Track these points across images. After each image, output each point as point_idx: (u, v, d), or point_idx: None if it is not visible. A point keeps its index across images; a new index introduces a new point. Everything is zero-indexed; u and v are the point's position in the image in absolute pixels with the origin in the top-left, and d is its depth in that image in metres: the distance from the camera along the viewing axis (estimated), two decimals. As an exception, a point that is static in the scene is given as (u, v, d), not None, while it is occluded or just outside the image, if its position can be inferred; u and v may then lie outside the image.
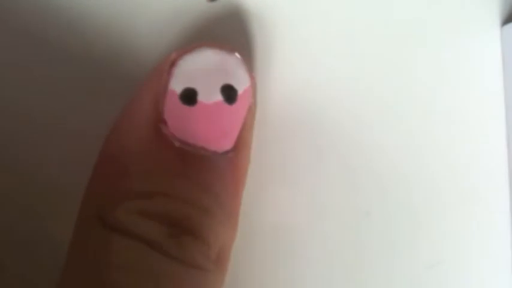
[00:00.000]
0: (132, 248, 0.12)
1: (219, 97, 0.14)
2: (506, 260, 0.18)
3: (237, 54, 0.14)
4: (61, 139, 0.16)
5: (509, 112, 0.18)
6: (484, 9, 0.18)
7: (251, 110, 0.15)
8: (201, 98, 0.14)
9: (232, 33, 0.17)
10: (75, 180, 0.14)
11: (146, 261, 0.12)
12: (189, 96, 0.14)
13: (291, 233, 0.17)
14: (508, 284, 0.18)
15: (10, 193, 0.16)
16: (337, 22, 0.18)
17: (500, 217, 0.18)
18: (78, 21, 0.16)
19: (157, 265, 0.12)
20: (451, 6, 0.18)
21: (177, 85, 0.14)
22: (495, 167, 0.18)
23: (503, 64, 0.18)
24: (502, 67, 0.18)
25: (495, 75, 0.18)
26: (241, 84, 0.14)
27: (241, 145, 0.14)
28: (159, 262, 0.13)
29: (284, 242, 0.17)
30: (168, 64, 0.14)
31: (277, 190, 0.17)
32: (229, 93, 0.14)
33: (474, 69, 0.18)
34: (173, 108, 0.13)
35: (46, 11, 0.16)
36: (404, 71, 0.18)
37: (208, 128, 0.14)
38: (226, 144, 0.14)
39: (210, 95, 0.14)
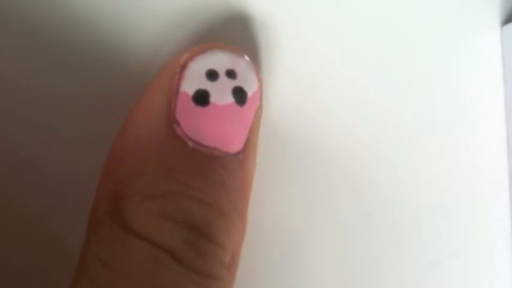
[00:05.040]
0: (150, 255, 0.12)
1: (230, 99, 0.14)
2: (506, 260, 0.18)
3: (246, 57, 0.15)
4: (66, 139, 0.16)
5: (510, 112, 0.18)
6: (484, 9, 0.18)
7: (257, 113, 0.15)
8: (213, 99, 0.14)
9: (235, 39, 0.17)
10: (78, 181, 0.14)
11: (163, 271, 0.12)
12: (202, 98, 0.14)
13: (291, 233, 0.17)
14: (508, 284, 0.18)
15: (11, 194, 0.16)
16: (339, 27, 0.18)
17: (500, 217, 0.18)
18: (84, 23, 0.16)
19: (174, 276, 0.12)
20: (451, 6, 0.18)
21: (189, 87, 0.14)
22: (495, 166, 0.18)
23: (503, 64, 0.18)
24: (502, 67, 0.18)
25: (495, 75, 0.18)
26: (251, 87, 0.14)
27: (248, 147, 0.14)
28: (178, 275, 0.12)
29: (285, 243, 0.17)
30: (179, 65, 0.14)
31: (278, 191, 0.17)
32: (240, 95, 0.14)
33: (474, 69, 0.18)
34: (186, 110, 0.13)
35: (50, 10, 0.16)
36: (404, 71, 0.18)
37: (221, 129, 0.14)
38: (237, 146, 0.14)
39: (221, 97, 0.14)
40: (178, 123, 0.13)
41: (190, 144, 0.13)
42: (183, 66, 0.14)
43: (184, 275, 0.13)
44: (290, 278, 0.17)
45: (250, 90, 0.14)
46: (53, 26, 0.16)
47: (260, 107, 0.15)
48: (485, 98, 0.18)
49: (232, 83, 0.14)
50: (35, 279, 0.16)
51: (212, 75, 0.14)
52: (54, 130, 0.16)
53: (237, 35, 0.17)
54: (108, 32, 0.16)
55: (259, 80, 0.15)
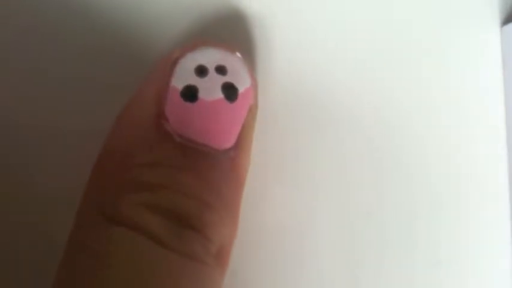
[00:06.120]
0: (133, 240, 0.13)
1: (219, 95, 0.14)
2: (506, 260, 0.18)
3: (238, 54, 0.15)
4: (61, 137, 0.16)
5: (509, 112, 0.18)
6: (484, 9, 0.18)
7: (252, 111, 0.15)
8: (201, 95, 0.14)
9: (232, 35, 0.17)
10: (74, 179, 0.14)
11: (146, 254, 0.13)
12: (190, 93, 0.14)
13: (290, 233, 0.17)
14: (508, 284, 0.18)
15: (8, 193, 0.16)
16: (338, 23, 0.18)
17: (500, 217, 0.18)
18: (80, 21, 0.16)
19: (157, 257, 0.13)
20: (451, 6, 0.18)
21: (178, 82, 0.14)
22: (495, 167, 0.18)
23: (503, 64, 0.18)
24: (502, 67, 0.18)
25: (495, 75, 0.18)
26: (242, 84, 0.14)
27: (241, 144, 0.14)
28: (159, 254, 0.13)
29: (284, 242, 0.17)
30: (170, 61, 0.14)
31: (277, 190, 0.17)
32: (229, 91, 0.14)
33: (474, 69, 0.18)
34: (174, 105, 0.14)
35: (44, 9, 0.16)
36: (404, 71, 0.18)
37: (209, 125, 0.14)
38: (227, 142, 0.14)
39: (210, 93, 0.14)
40: (167, 119, 0.14)
41: (178, 139, 0.13)
42: (174, 63, 0.14)
43: (165, 255, 0.13)
44: (290, 278, 0.17)
45: (242, 86, 0.14)
46: (46, 24, 0.16)
47: (255, 105, 0.15)
48: (485, 98, 0.18)
49: (222, 79, 0.14)
50: (32, 277, 0.16)
51: (201, 71, 0.14)
52: (52, 130, 0.16)
53: (234, 34, 0.17)
54: (107, 32, 0.16)
55: (253, 78, 0.15)
